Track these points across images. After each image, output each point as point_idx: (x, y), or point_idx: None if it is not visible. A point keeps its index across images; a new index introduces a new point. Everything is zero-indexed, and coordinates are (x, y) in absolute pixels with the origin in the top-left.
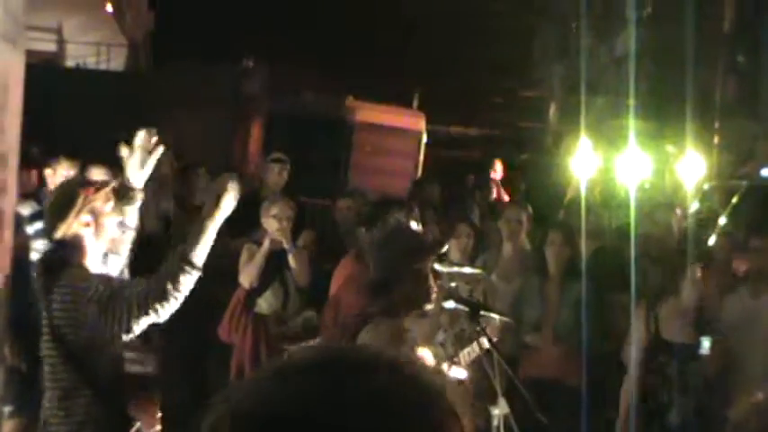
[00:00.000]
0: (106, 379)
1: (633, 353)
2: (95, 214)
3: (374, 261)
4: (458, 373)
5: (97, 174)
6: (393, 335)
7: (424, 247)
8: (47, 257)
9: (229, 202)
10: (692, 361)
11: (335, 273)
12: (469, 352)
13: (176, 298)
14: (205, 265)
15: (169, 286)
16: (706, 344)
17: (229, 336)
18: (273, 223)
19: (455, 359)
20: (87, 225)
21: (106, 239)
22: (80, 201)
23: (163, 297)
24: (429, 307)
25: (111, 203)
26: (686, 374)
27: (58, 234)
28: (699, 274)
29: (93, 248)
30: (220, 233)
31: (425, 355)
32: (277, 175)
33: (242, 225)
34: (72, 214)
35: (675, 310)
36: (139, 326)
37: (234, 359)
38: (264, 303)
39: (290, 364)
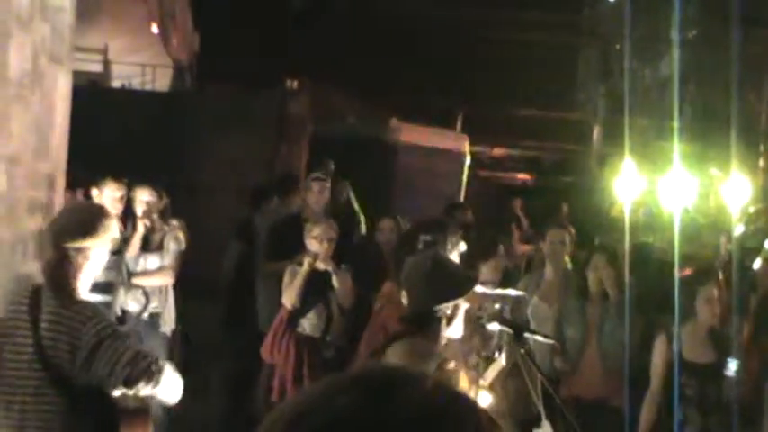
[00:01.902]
0: (94, 407)
1: (654, 372)
2: (112, 245)
3: (411, 295)
4: (483, 396)
5: (143, 194)
6: (420, 354)
7: (463, 286)
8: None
9: None
10: (712, 381)
11: (379, 296)
12: (490, 372)
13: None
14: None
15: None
16: (732, 365)
17: (272, 356)
18: (315, 244)
19: (480, 382)
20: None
21: (99, 269)
22: (108, 228)
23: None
24: (459, 335)
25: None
26: (706, 395)
27: (75, 245)
28: (714, 294)
29: (91, 274)
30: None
31: (460, 378)
32: (318, 194)
33: (285, 246)
34: (98, 237)
35: (693, 330)
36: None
37: (276, 379)
38: (307, 324)
39: (340, 379)
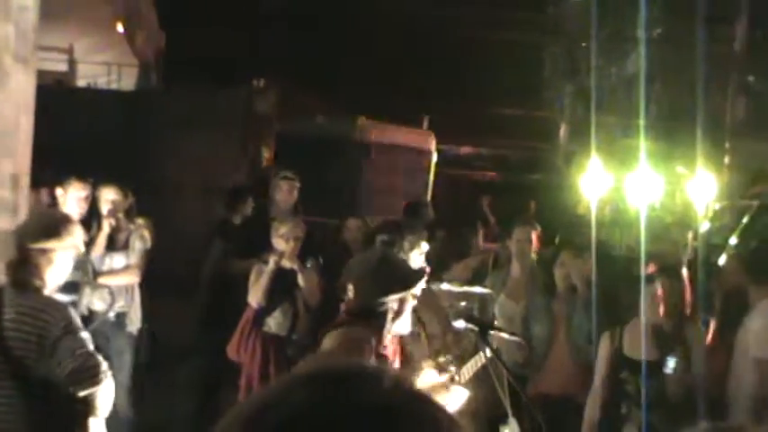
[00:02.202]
0: (52, 402)
1: (598, 368)
2: (77, 251)
3: (356, 288)
4: (459, 391)
5: (108, 193)
6: (353, 342)
7: (408, 280)
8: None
9: None
10: (654, 378)
11: None
12: (468, 369)
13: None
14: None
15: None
16: (671, 363)
17: (238, 354)
18: (281, 243)
19: (455, 377)
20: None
21: (66, 273)
22: (71, 238)
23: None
24: (407, 331)
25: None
26: (645, 391)
27: (40, 245)
28: (658, 291)
29: (58, 276)
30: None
31: (430, 373)
32: (287, 193)
33: (252, 245)
34: (65, 238)
35: (637, 327)
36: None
37: (243, 378)
38: (273, 323)
39: (297, 375)
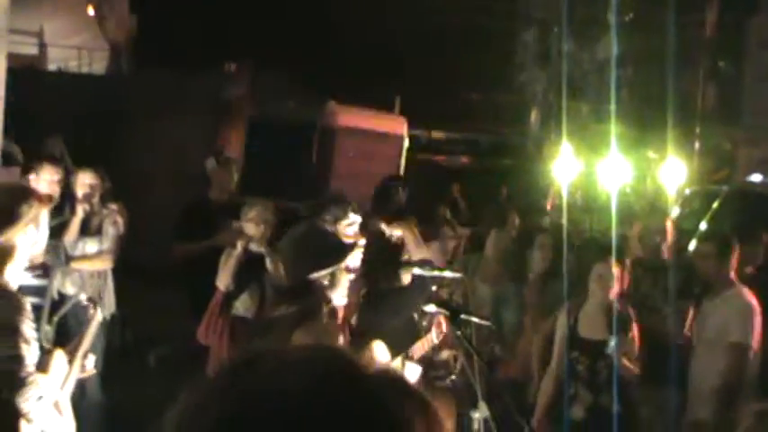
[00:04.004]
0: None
1: (555, 347)
2: (36, 227)
3: (286, 267)
4: (412, 368)
5: (85, 177)
6: (324, 336)
7: (335, 252)
8: None
9: None
10: (603, 358)
11: None
12: (419, 347)
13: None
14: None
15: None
16: (612, 343)
17: (207, 338)
18: (251, 227)
19: (408, 354)
20: (26, 236)
21: (31, 253)
22: (33, 211)
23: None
24: (341, 303)
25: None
26: (596, 371)
27: None
28: (608, 271)
29: (20, 261)
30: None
31: (379, 349)
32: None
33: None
34: (22, 223)
35: (590, 307)
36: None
37: (210, 361)
38: (241, 306)
39: (240, 363)
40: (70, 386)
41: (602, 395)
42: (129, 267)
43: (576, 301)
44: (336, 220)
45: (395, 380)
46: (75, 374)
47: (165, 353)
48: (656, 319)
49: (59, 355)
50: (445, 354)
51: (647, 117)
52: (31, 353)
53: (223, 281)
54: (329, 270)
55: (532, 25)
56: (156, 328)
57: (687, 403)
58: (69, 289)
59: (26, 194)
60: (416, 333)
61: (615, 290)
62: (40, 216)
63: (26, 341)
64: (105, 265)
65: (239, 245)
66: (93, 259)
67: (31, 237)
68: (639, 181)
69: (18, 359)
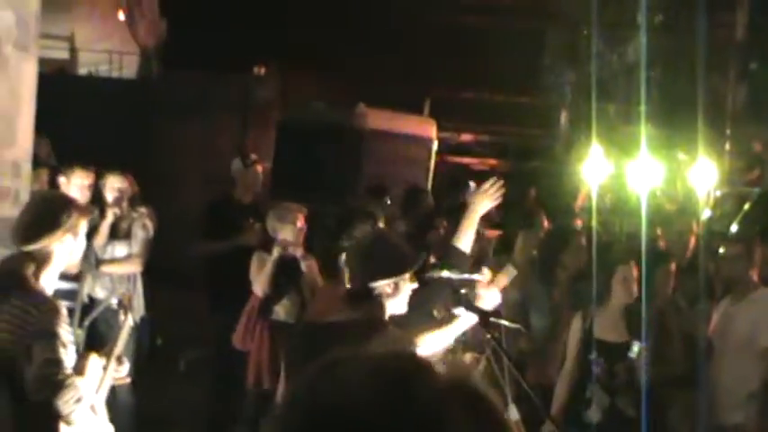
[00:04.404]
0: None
1: (569, 349)
2: (75, 236)
3: (351, 272)
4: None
5: (115, 181)
6: (403, 344)
7: (401, 262)
8: (11, 266)
9: None
10: (622, 361)
11: None
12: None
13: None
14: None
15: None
16: (635, 348)
17: (244, 343)
18: (287, 230)
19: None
20: (63, 244)
21: (68, 262)
22: (71, 221)
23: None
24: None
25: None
26: (614, 374)
27: (34, 246)
28: (630, 274)
29: (56, 268)
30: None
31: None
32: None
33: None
34: (60, 232)
35: (608, 309)
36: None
37: (250, 366)
38: (282, 310)
39: (359, 368)
40: (104, 390)
41: (619, 398)
42: (158, 270)
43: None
44: (363, 234)
45: (465, 391)
46: (110, 379)
47: (194, 357)
48: (681, 321)
49: (94, 359)
50: (468, 356)
51: (677, 118)
52: (68, 356)
53: (260, 286)
54: (393, 279)
55: (561, 26)
56: (186, 332)
57: (711, 407)
58: (99, 293)
59: (66, 203)
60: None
61: (636, 292)
62: (79, 226)
63: (63, 345)
64: (134, 268)
65: (276, 249)
66: (122, 263)
67: (68, 245)
68: (670, 183)
69: (56, 362)
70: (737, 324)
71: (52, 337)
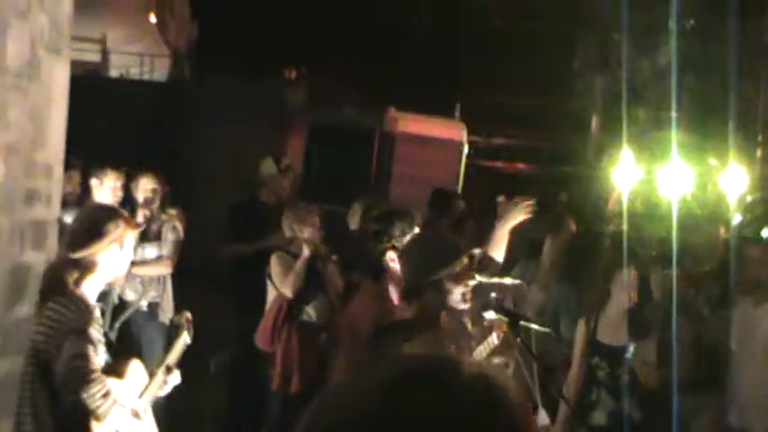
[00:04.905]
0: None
1: (575, 353)
2: (121, 247)
3: (409, 268)
4: None
5: (147, 182)
6: (436, 345)
7: (450, 255)
8: (54, 273)
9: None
10: (622, 365)
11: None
12: (482, 350)
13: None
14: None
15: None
16: (631, 349)
17: (270, 345)
18: (309, 231)
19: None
20: (109, 254)
21: (113, 273)
22: (118, 231)
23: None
24: (463, 307)
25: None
26: (618, 377)
27: (79, 254)
28: (631, 277)
29: (100, 277)
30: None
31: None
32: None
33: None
34: (106, 241)
35: (611, 312)
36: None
37: (278, 367)
38: (313, 312)
39: (391, 376)
40: (151, 396)
41: (624, 401)
42: (189, 272)
43: (595, 306)
44: (404, 234)
45: (490, 390)
46: (157, 387)
47: (224, 359)
48: (702, 326)
49: (136, 364)
50: (498, 359)
51: (708, 124)
52: (96, 354)
53: (290, 287)
54: (446, 271)
55: (592, 32)
56: (217, 333)
57: (730, 412)
58: (129, 295)
59: (115, 214)
60: (464, 336)
61: (634, 296)
62: (125, 237)
63: (92, 343)
64: (165, 270)
65: (307, 249)
66: (152, 265)
67: (113, 256)
68: (700, 188)
69: (83, 357)
70: (762, 327)
71: (82, 334)
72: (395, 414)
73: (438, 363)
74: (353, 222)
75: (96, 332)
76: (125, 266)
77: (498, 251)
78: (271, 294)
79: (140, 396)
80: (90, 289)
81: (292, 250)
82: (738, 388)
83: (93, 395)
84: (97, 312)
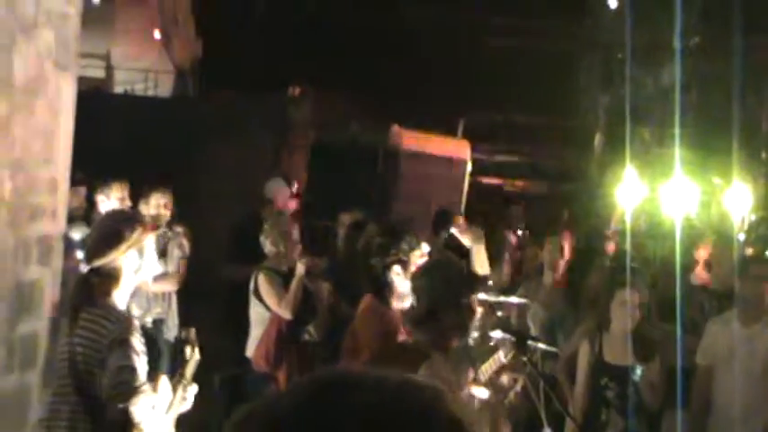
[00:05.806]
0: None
1: (579, 374)
2: (140, 252)
3: (419, 292)
4: (479, 392)
5: (157, 198)
6: (450, 369)
7: (471, 279)
8: (83, 284)
9: None
10: (629, 385)
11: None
12: (487, 369)
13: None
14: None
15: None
16: (638, 371)
17: (267, 365)
18: (294, 244)
19: (475, 378)
20: (128, 259)
21: (139, 279)
22: (135, 235)
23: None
24: (474, 335)
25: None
26: (624, 396)
27: (101, 261)
28: (629, 297)
29: (127, 284)
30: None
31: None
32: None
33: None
34: (124, 246)
35: (614, 332)
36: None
37: (276, 387)
38: (316, 332)
39: (309, 382)
40: (175, 412)
41: (632, 420)
42: (195, 288)
43: (594, 326)
44: (411, 249)
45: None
46: (179, 402)
47: (229, 375)
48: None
49: (164, 380)
50: (505, 378)
51: (711, 142)
52: (141, 365)
53: (289, 309)
54: (456, 301)
55: (596, 50)
56: (221, 350)
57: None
58: (135, 311)
59: (130, 219)
60: (472, 356)
61: (637, 316)
62: (144, 241)
63: (136, 353)
64: (170, 286)
65: (302, 267)
66: (158, 281)
67: (133, 261)
68: (704, 206)
69: (129, 369)
70: (758, 346)
71: (126, 346)
72: (323, 409)
73: (375, 371)
74: (340, 234)
75: (138, 342)
76: (149, 272)
77: (483, 266)
78: (254, 311)
79: (167, 412)
80: (120, 297)
81: (280, 268)
82: (728, 407)
83: (140, 408)
84: (136, 322)
